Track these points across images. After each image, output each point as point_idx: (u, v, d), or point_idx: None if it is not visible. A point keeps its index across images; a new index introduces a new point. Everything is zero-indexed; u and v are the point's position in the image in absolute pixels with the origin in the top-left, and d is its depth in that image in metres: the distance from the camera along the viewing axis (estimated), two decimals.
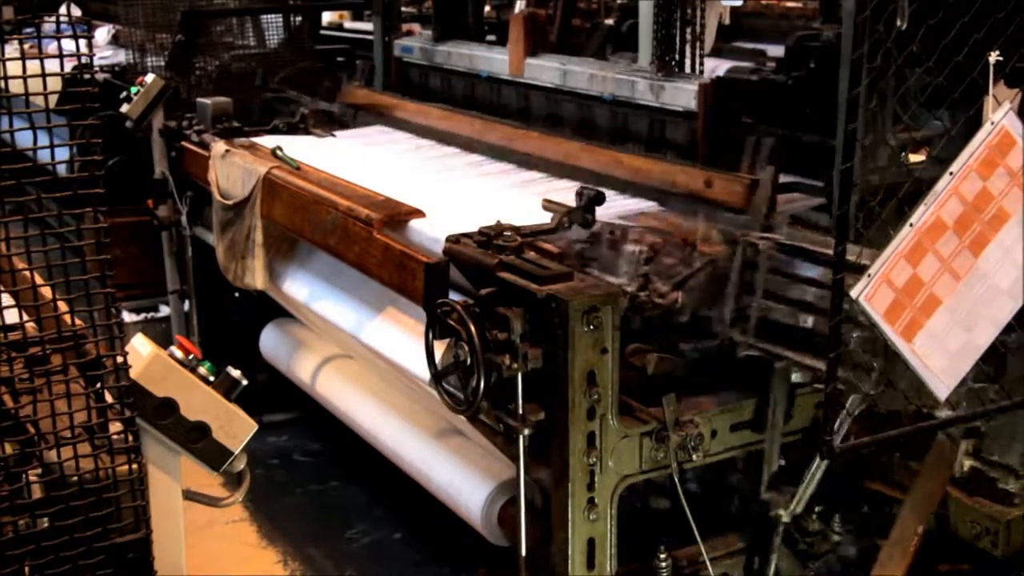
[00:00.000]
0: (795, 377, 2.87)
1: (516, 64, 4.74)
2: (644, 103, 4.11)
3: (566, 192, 3.51)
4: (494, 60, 4.94)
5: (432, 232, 3.39)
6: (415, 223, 3.50)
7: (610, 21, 6.45)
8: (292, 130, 4.98)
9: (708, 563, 3.02)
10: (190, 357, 2.35)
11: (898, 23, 2.70)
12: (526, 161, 4.26)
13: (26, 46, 2.14)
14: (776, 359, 2.87)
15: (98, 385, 2.21)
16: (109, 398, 2.23)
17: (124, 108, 4.98)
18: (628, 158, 3.78)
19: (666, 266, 3.04)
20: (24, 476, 2.12)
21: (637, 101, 4.15)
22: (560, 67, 4.56)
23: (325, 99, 5.40)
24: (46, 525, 2.13)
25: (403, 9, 6.59)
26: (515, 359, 2.76)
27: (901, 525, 2.96)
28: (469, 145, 4.58)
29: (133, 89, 5.00)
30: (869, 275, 2.39)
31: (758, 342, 2.85)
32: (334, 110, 5.25)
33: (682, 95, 3.90)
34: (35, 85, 2.05)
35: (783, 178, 4.00)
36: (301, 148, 4.56)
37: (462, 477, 3.52)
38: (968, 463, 3.05)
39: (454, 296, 3.06)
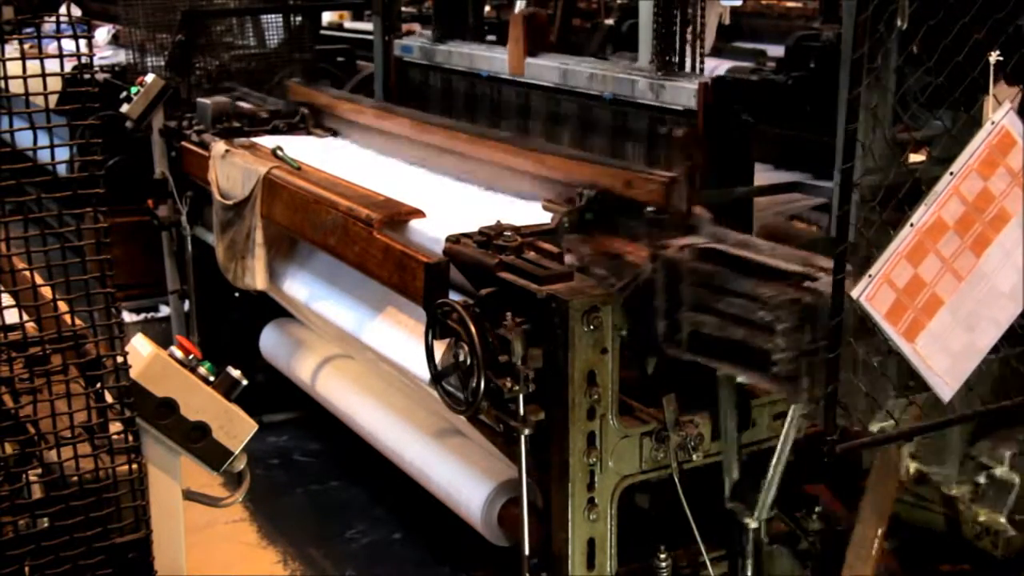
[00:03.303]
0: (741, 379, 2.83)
1: (516, 63, 4.73)
2: (644, 102, 4.11)
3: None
4: (494, 60, 4.94)
5: (432, 232, 3.39)
6: (415, 223, 3.50)
7: (610, 21, 6.45)
8: (292, 130, 4.98)
9: (708, 563, 3.02)
10: (190, 357, 2.35)
11: (898, 23, 2.70)
12: (458, 164, 4.16)
13: (26, 46, 2.13)
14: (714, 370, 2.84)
15: (98, 385, 2.21)
16: (109, 398, 2.23)
17: (124, 108, 4.98)
18: (552, 159, 3.64)
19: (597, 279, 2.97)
20: (24, 476, 2.12)
21: (637, 100, 4.15)
22: (560, 66, 4.56)
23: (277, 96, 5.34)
24: (46, 525, 2.13)
25: (403, 9, 6.59)
26: (516, 382, 2.75)
27: (863, 526, 2.99)
28: (402, 145, 4.50)
29: (133, 89, 5.01)
30: (870, 275, 2.39)
31: (694, 357, 2.77)
32: (280, 108, 5.15)
33: (682, 94, 3.90)
34: (35, 85, 2.05)
35: (783, 178, 4.02)
36: (301, 148, 4.56)
37: (462, 477, 3.52)
38: (913, 466, 3.07)
39: (454, 296, 3.06)
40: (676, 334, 2.78)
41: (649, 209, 3.13)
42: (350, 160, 4.51)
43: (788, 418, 2.74)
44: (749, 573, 3.07)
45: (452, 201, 3.79)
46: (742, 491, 2.96)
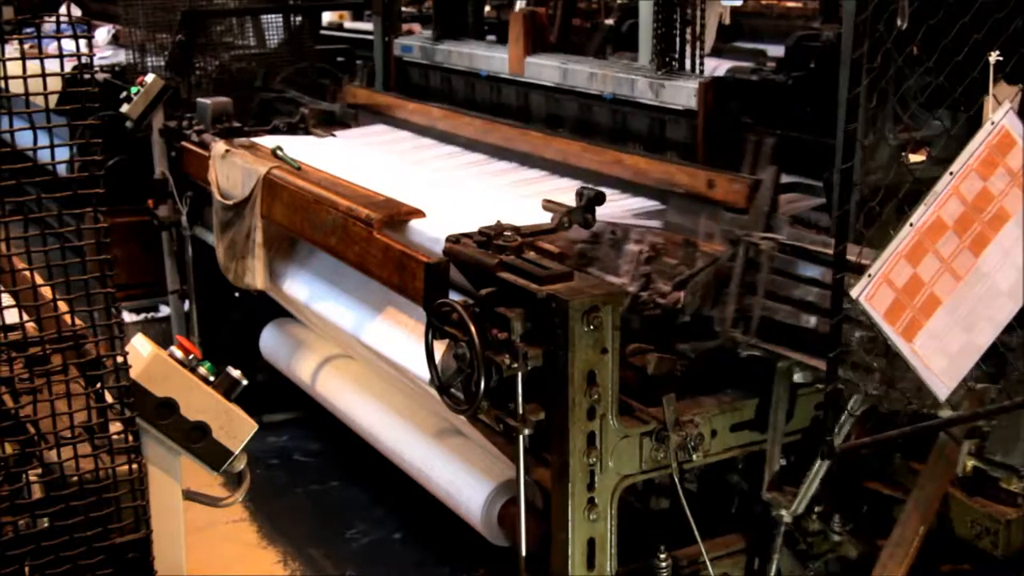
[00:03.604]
0: (797, 377, 2.86)
1: (516, 63, 4.73)
2: (644, 102, 4.11)
3: (567, 191, 3.51)
4: (494, 59, 4.94)
5: (432, 232, 3.39)
6: (415, 223, 3.50)
7: (610, 21, 6.45)
8: (292, 130, 4.98)
9: (708, 563, 3.02)
10: (190, 357, 2.35)
11: (898, 23, 2.70)
12: (526, 160, 4.26)
13: (26, 46, 2.13)
14: (778, 359, 2.87)
15: (98, 385, 2.21)
16: (109, 398, 2.23)
17: (124, 108, 4.98)
18: (629, 158, 3.77)
19: (667, 266, 3.04)
20: (24, 476, 2.12)
21: (637, 100, 4.15)
22: (560, 66, 4.56)
23: (325, 99, 5.40)
24: (46, 525, 2.13)
25: (403, 9, 6.59)
26: (515, 359, 2.76)
27: (903, 526, 2.96)
28: (470, 145, 4.58)
29: (133, 89, 5.01)
30: (869, 275, 2.39)
31: (760, 342, 2.84)
32: (335, 110, 5.25)
33: (682, 94, 3.91)
34: (35, 85, 2.05)
35: (783, 177, 4.02)
36: (301, 148, 4.56)
37: (462, 477, 3.52)
38: (971, 463, 3.04)
39: (454, 296, 3.06)
40: (745, 321, 2.84)
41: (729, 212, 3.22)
42: (354, 160, 4.51)
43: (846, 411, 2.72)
44: (775, 567, 3.06)
45: (532, 198, 3.78)
46: (780, 483, 2.97)
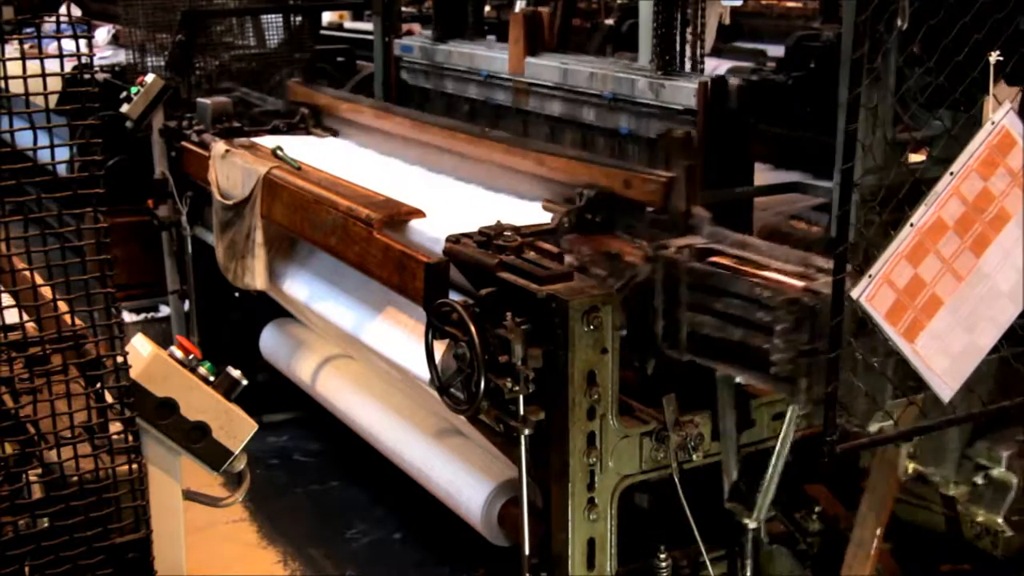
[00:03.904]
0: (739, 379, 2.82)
1: (516, 63, 4.73)
2: (644, 102, 4.11)
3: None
4: (495, 60, 4.93)
5: (432, 232, 3.39)
6: (415, 223, 3.50)
7: (610, 21, 6.45)
8: (292, 130, 4.98)
9: (708, 563, 3.02)
10: (190, 357, 2.35)
11: (898, 23, 2.70)
12: (458, 163, 4.15)
13: (26, 46, 2.13)
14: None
15: (98, 385, 2.21)
16: (109, 398, 2.23)
17: (124, 108, 4.98)
18: (552, 159, 3.63)
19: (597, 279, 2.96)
20: (24, 476, 2.12)
21: (637, 100, 4.15)
22: (560, 66, 4.56)
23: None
24: (46, 525, 2.13)
25: (403, 9, 6.59)
26: (516, 382, 2.75)
27: (861, 527, 3.00)
28: (401, 145, 4.49)
29: (133, 89, 5.00)
30: (870, 275, 2.39)
31: (692, 356, 2.78)
32: (279, 108, 5.16)
33: (682, 94, 3.91)
34: (35, 85, 2.05)
35: (783, 178, 4.02)
36: (301, 148, 4.56)
37: (462, 477, 3.52)
38: (912, 466, 3.07)
39: (454, 296, 3.06)
40: (675, 334, 2.78)
41: (649, 209, 3.13)
42: (350, 160, 4.51)
43: (787, 418, 2.74)
44: (749, 573, 3.07)
45: (452, 201, 3.79)
46: (741, 491, 2.96)
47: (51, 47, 2.07)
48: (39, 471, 2.13)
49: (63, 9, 2.14)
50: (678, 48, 4.18)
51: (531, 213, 3.46)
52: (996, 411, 2.76)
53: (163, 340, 2.39)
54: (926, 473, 3.08)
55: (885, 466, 3.04)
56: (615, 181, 3.29)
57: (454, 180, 4.10)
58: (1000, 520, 3.01)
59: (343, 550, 4.23)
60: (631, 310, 2.84)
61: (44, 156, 2.17)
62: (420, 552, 4.19)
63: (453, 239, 3.19)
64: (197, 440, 2.32)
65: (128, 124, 5.01)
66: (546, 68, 4.63)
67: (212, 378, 2.36)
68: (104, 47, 7.46)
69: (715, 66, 5.06)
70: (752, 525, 2.96)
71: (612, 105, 4.27)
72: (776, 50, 5.15)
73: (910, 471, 3.09)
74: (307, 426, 5.09)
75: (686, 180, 3.08)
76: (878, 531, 2.98)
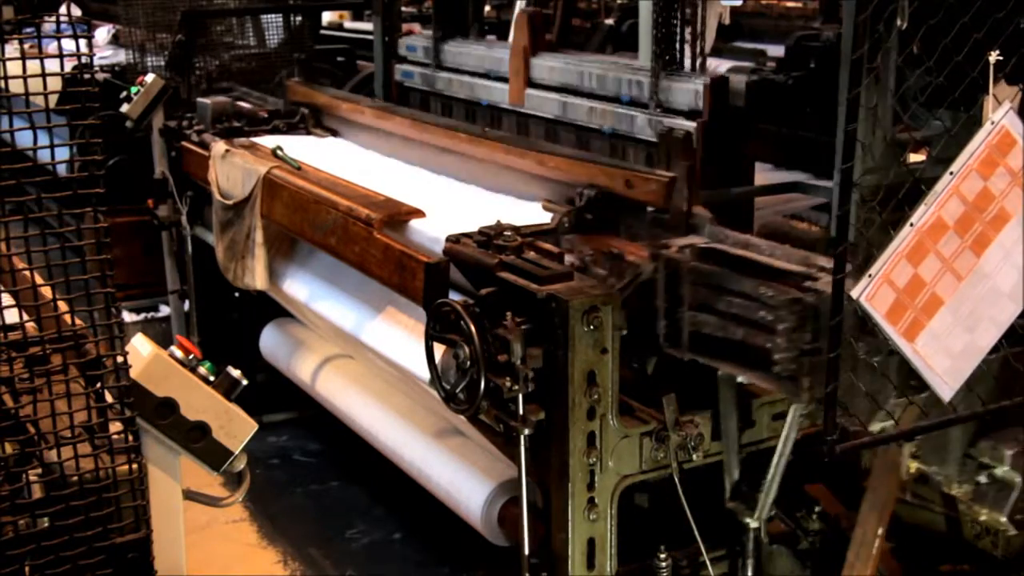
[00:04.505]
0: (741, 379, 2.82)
1: (516, 94, 4.73)
2: (643, 102, 4.12)
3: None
4: (494, 90, 4.93)
5: (432, 232, 3.39)
6: (415, 223, 3.50)
7: (610, 21, 6.45)
8: (292, 130, 4.98)
9: (708, 563, 3.02)
10: (190, 357, 2.35)
11: (898, 23, 2.70)
12: (458, 164, 4.14)
13: (26, 46, 2.14)
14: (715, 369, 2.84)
15: (98, 385, 2.21)
16: (109, 398, 2.23)
17: (124, 108, 4.98)
18: (552, 159, 3.63)
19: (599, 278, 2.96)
20: (24, 476, 2.12)
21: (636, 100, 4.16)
22: (560, 66, 4.56)
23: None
24: (46, 525, 2.13)
25: (403, 9, 6.59)
26: (516, 382, 2.75)
27: (862, 527, 2.99)
28: (401, 145, 4.49)
29: (133, 89, 5.00)
30: (870, 275, 2.39)
31: (694, 356, 2.78)
32: (279, 108, 5.14)
33: (682, 94, 3.91)
34: (35, 85, 2.05)
35: (783, 178, 4.02)
36: (301, 148, 4.56)
37: (462, 477, 3.52)
38: (914, 466, 3.07)
39: (454, 296, 3.06)
40: (677, 334, 2.78)
41: (650, 209, 3.14)
42: (350, 160, 4.51)
43: (788, 418, 2.74)
44: (749, 573, 3.07)
45: (452, 201, 3.79)
46: (743, 491, 2.96)
47: (51, 47, 2.07)
48: (39, 471, 2.13)
49: (63, 9, 2.14)
50: (678, 48, 4.18)
51: (531, 213, 3.47)
52: (997, 411, 2.76)
53: (163, 340, 2.39)
54: (929, 472, 3.08)
55: (887, 466, 3.04)
56: (616, 181, 3.29)
57: (454, 180, 4.10)
58: (1004, 519, 3.01)
59: (343, 550, 4.23)
60: (631, 310, 2.84)
61: (44, 156, 2.17)
62: (420, 552, 4.19)
63: (453, 239, 3.19)
64: (197, 440, 2.32)
65: (128, 124, 5.02)
66: (545, 68, 4.60)
67: (212, 378, 2.36)
68: (104, 47, 7.45)
69: (715, 66, 5.06)
70: (754, 525, 2.97)
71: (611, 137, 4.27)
72: (776, 50, 5.16)
73: (912, 471, 3.09)
74: (307, 426, 5.09)
75: (687, 180, 3.09)
76: (880, 531, 2.98)
